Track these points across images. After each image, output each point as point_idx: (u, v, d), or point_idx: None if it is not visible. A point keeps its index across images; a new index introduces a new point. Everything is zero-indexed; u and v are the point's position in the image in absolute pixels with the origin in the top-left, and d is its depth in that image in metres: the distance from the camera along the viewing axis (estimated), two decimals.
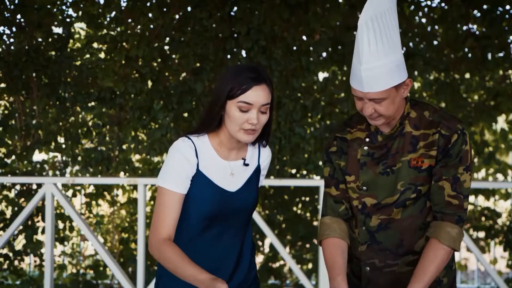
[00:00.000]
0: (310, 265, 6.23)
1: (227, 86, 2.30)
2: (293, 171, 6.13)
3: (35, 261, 6.20)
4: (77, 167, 6.17)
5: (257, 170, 2.49)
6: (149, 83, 6.13)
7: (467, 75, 6.27)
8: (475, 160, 6.30)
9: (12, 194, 6.19)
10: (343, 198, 2.51)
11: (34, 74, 6.07)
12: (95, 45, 6.27)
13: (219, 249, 2.40)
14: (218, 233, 2.40)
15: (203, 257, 2.37)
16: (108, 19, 6.21)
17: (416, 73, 6.14)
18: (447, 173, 2.38)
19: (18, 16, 6.10)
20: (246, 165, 2.44)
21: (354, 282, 2.55)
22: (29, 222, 6.01)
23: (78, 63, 6.19)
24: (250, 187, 2.44)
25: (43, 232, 5.95)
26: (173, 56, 6.14)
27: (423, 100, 2.51)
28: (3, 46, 6.11)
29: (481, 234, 6.36)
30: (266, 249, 6.31)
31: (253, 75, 2.30)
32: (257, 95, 2.29)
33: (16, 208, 6.00)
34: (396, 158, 2.42)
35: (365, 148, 2.46)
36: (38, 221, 6.07)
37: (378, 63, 2.29)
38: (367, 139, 2.47)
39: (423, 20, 6.25)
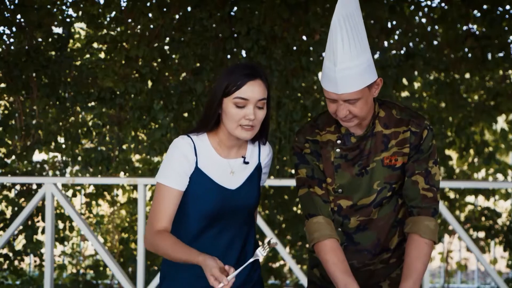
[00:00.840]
0: None
1: (223, 84, 2.33)
2: (293, 171, 6.12)
3: (35, 261, 6.20)
4: (77, 167, 6.17)
5: (258, 168, 2.49)
6: (149, 83, 6.13)
7: (467, 75, 6.27)
8: (475, 160, 6.30)
9: (12, 194, 6.19)
10: (327, 198, 2.49)
11: (34, 74, 6.07)
12: (95, 45, 6.27)
13: (220, 248, 2.40)
14: (219, 232, 2.40)
15: (207, 252, 2.37)
16: (108, 19, 6.21)
17: (416, 73, 6.14)
18: (419, 167, 2.42)
19: (18, 16, 6.10)
20: (246, 163, 2.45)
21: (326, 286, 2.54)
22: (29, 222, 6.01)
23: (78, 63, 6.19)
24: (250, 185, 2.44)
25: (43, 232, 5.95)
26: (173, 56, 6.14)
27: (387, 99, 2.54)
28: (3, 46, 6.11)
29: (481, 234, 6.35)
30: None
31: (248, 71, 2.33)
32: (252, 91, 2.32)
33: (16, 208, 6.00)
34: (370, 158, 2.44)
35: (337, 150, 2.46)
36: (38, 221, 6.06)
37: (352, 63, 2.31)
38: (339, 141, 2.47)
39: (423, 20, 6.24)
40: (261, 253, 2.22)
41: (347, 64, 2.30)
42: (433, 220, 2.40)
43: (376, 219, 2.45)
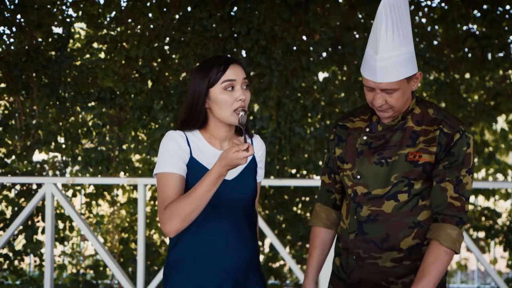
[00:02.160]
0: None
1: (205, 77, 2.39)
2: (293, 171, 6.13)
3: (35, 261, 6.21)
4: (77, 167, 6.17)
5: (253, 160, 2.51)
6: (149, 83, 6.13)
7: (467, 75, 6.27)
8: (475, 160, 6.31)
9: (12, 194, 6.19)
10: (333, 187, 2.60)
11: (34, 74, 6.07)
12: (95, 45, 6.27)
13: (220, 243, 2.40)
14: (218, 226, 2.40)
15: (206, 249, 2.39)
16: (108, 19, 6.21)
17: None
18: (450, 175, 2.39)
19: (18, 16, 6.10)
20: None
21: (342, 276, 2.56)
22: (29, 222, 6.01)
23: (78, 63, 6.19)
24: (246, 177, 2.45)
25: (43, 232, 5.96)
26: (173, 56, 6.14)
27: (428, 100, 2.54)
28: (3, 46, 6.11)
29: (481, 234, 6.36)
30: (266, 249, 6.31)
31: (225, 58, 2.42)
32: (236, 72, 2.39)
33: (16, 208, 6.00)
34: (393, 151, 2.43)
35: (364, 137, 2.49)
36: (38, 221, 6.07)
37: (393, 52, 2.32)
38: (367, 129, 2.50)
39: (423, 20, 6.25)
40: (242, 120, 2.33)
41: (389, 54, 2.32)
42: (456, 229, 2.36)
43: (389, 214, 2.42)
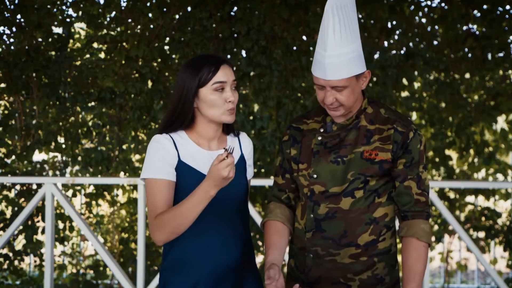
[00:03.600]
0: None
1: (195, 77, 2.39)
2: None
3: (35, 261, 6.20)
4: (77, 167, 6.17)
5: (242, 158, 2.52)
6: (149, 83, 6.13)
7: (467, 75, 6.27)
8: (475, 160, 6.30)
9: (12, 194, 6.19)
10: (287, 187, 2.61)
11: (34, 74, 6.07)
12: (95, 45, 6.27)
13: (215, 244, 2.40)
14: (212, 227, 2.41)
15: (201, 250, 2.39)
16: (108, 19, 6.21)
17: (416, 73, 6.14)
18: (411, 173, 2.49)
19: (18, 16, 6.10)
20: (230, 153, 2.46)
21: (298, 277, 2.57)
22: (29, 222, 6.01)
23: (78, 63, 6.19)
24: (237, 176, 2.44)
25: (43, 232, 5.95)
26: (173, 56, 6.14)
27: (378, 100, 2.61)
28: (3, 46, 6.11)
29: (481, 234, 6.35)
30: None
31: (215, 58, 2.43)
32: (226, 73, 2.41)
33: (16, 208, 6.00)
34: (349, 150, 2.49)
35: (319, 138, 2.53)
36: (38, 221, 6.06)
37: (342, 50, 2.40)
38: (321, 129, 2.55)
39: (423, 20, 6.24)
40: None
41: (337, 51, 2.40)
42: (427, 223, 2.48)
43: (347, 210, 2.47)
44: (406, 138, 2.47)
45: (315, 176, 2.51)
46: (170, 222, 2.29)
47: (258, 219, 4.86)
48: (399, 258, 2.46)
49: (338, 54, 2.39)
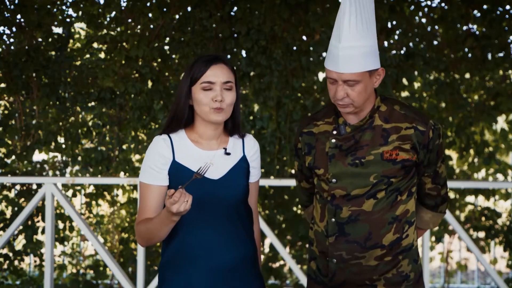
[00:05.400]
0: None
1: (188, 76, 2.44)
2: (293, 171, 6.13)
3: (35, 261, 6.21)
4: (77, 167, 6.17)
5: (243, 160, 2.51)
6: (149, 83, 6.13)
7: (467, 75, 6.27)
8: (475, 160, 6.30)
9: (12, 194, 6.19)
10: (313, 189, 2.66)
11: (34, 74, 6.07)
12: (95, 45, 6.27)
13: (211, 244, 2.41)
14: (208, 227, 2.41)
15: (197, 248, 2.41)
16: (108, 19, 6.21)
17: (416, 73, 6.14)
18: (428, 170, 2.53)
19: (18, 16, 6.10)
20: (228, 154, 2.47)
21: (321, 280, 2.55)
22: (29, 222, 6.01)
23: (78, 63, 6.19)
24: (235, 176, 2.45)
25: (43, 232, 5.96)
26: (173, 56, 6.14)
27: (390, 96, 2.60)
28: (3, 46, 6.12)
29: (481, 234, 6.36)
30: (266, 249, 6.31)
31: (210, 58, 2.45)
32: (215, 74, 2.42)
33: (16, 208, 6.00)
34: (366, 151, 2.45)
35: (333, 140, 2.49)
36: (38, 221, 6.07)
37: (356, 43, 2.36)
38: (334, 132, 2.50)
39: (423, 20, 6.24)
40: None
41: (351, 43, 2.36)
42: (429, 212, 2.67)
43: (370, 212, 2.45)
44: (427, 137, 2.46)
45: (334, 180, 2.47)
46: (144, 233, 2.41)
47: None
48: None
49: (353, 46, 2.35)
